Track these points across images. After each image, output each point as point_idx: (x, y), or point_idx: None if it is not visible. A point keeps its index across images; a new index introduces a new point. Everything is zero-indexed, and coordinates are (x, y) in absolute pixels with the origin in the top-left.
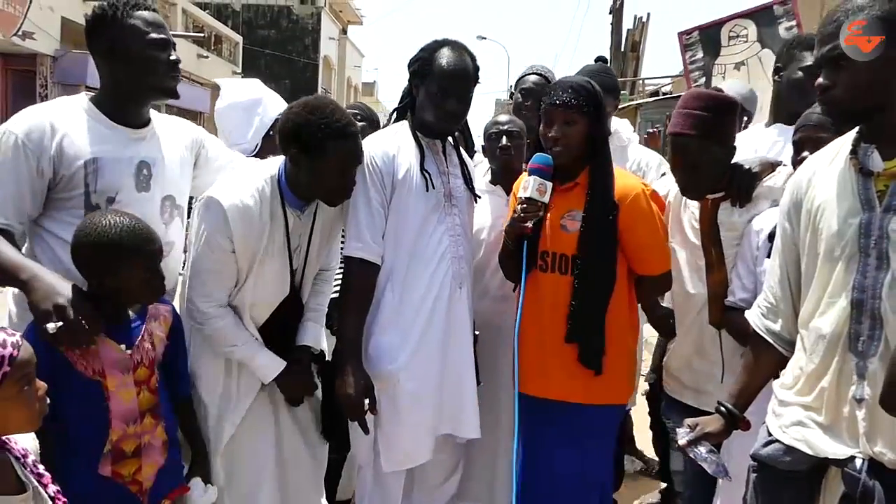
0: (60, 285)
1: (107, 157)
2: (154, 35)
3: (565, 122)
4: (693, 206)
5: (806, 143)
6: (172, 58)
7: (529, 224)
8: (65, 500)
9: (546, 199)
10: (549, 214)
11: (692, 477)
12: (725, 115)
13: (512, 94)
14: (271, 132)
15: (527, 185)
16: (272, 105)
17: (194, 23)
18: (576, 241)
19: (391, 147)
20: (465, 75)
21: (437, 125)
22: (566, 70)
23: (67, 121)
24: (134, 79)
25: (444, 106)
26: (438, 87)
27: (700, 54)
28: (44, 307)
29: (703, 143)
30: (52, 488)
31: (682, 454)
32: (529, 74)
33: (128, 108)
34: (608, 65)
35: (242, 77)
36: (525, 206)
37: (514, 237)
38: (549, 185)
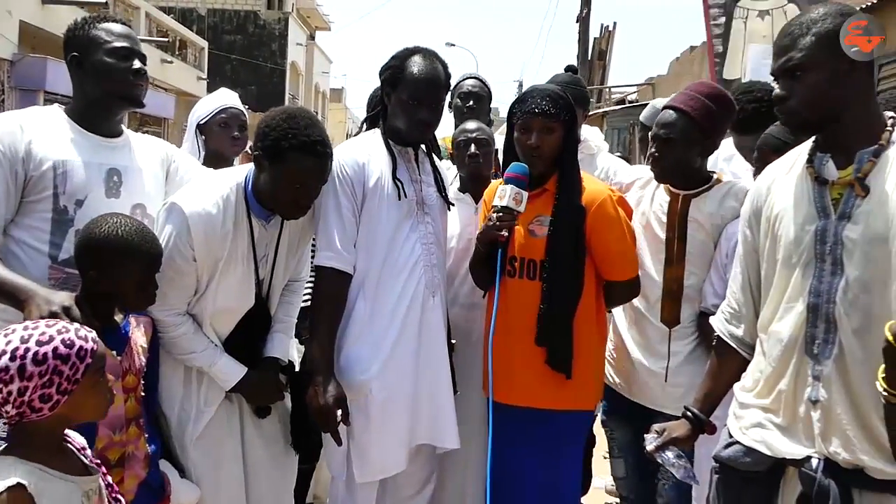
0: (54, 296)
1: (76, 160)
2: (116, 44)
3: (544, 129)
4: (661, 200)
5: (760, 163)
6: (135, 66)
7: (505, 232)
8: (119, 493)
9: (522, 208)
10: (517, 220)
11: (636, 483)
12: (726, 116)
13: (450, 103)
14: (204, 136)
15: (503, 193)
16: (199, 107)
17: (158, 27)
18: (544, 245)
19: (361, 155)
20: (436, 84)
21: (408, 134)
22: (534, 76)
23: (37, 125)
24: (97, 87)
25: (415, 115)
26: (410, 95)
27: None
28: (35, 317)
29: (693, 126)
30: (108, 479)
31: (623, 461)
32: (466, 79)
33: (97, 118)
34: (577, 74)
35: (207, 83)
36: (501, 214)
37: (487, 244)
38: (525, 194)
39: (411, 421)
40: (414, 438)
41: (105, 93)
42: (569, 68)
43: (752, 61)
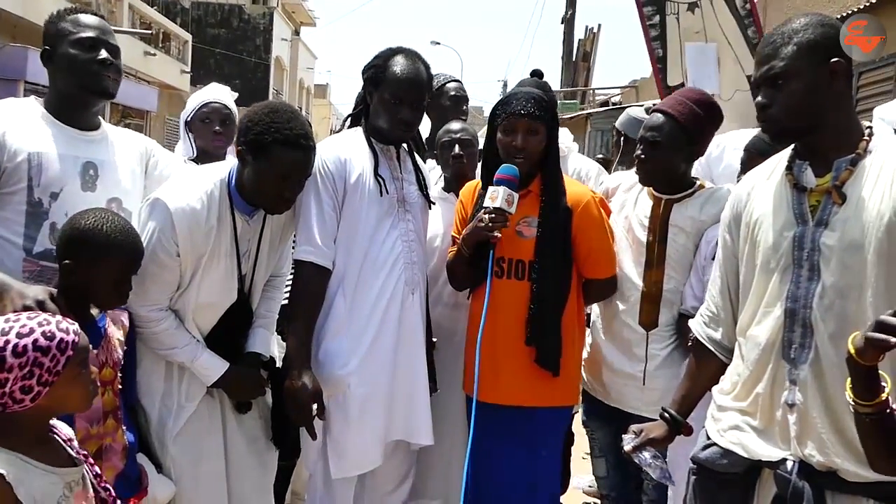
0: (28, 289)
1: (51, 152)
2: (81, 35)
3: (529, 131)
4: (644, 204)
5: (746, 166)
6: (100, 57)
7: (498, 234)
8: (106, 482)
9: (513, 209)
10: None
11: (617, 481)
12: (712, 122)
13: (440, 104)
14: (192, 134)
15: (495, 194)
16: (191, 101)
17: (141, 19)
18: (533, 246)
19: (343, 152)
20: (418, 83)
21: (390, 133)
22: (519, 77)
23: (12, 116)
24: (66, 80)
25: (397, 114)
26: (392, 94)
27: None
28: (9, 312)
29: (679, 130)
30: (95, 469)
31: (604, 460)
32: (448, 83)
33: (72, 110)
34: (543, 79)
35: (191, 76)
36: (493, 215)
37: (474, 245)
38: (516, 196)
39: (387, 417)
40: (389, 434)
41: (72, 85)
42: (535, 72)
43: (690, 63)
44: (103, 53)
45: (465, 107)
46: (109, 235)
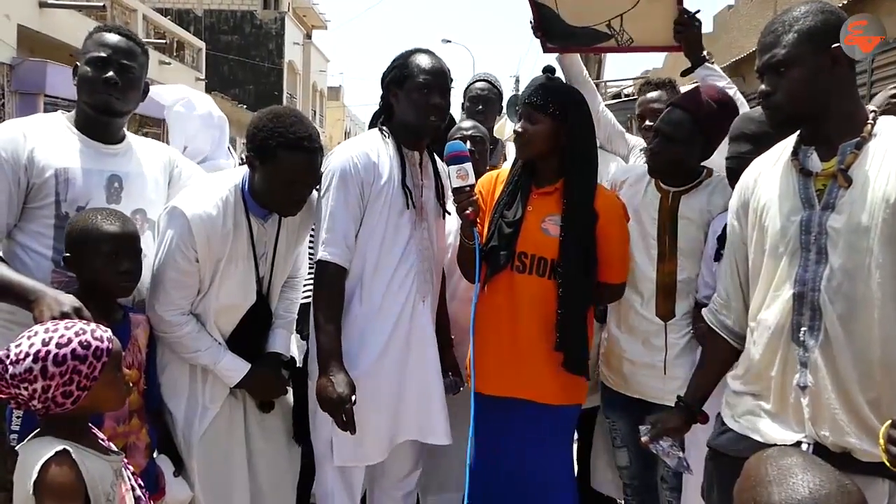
0: (64, 297)
1: (77, 167)
2: (93, 54)
3: (528, 119)
4: (652, 197)
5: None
6: (106, 76)
7: (469, 210)
8: (143, 483)
9: (471, 180)
10: (528, 216)
11: (640, 470)
12: (727, 119)
13: (463, 104)
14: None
15: (463, 172)
16: (217, 112)
17: (155, 29)
18: (557, 245)
19: (374, 155)
20: (444, 72)
21: (423, 122)
22: (530, 71)
23: (40, 132)
24: (80, 96)
25: (428, 100)
26: (421, 83)
27: None
28: (47, 318)
29: (696, 128)
30: (130, 468)
31: (626, 450)
32: (476, 82)
33: (96, 126)
34: (554, 75)
35: (206, 83)
36: (455, 196)
37: (467, 230)
38: (467, 166)
39: (396, 418)
40: (399, 435)
41: (83, 102)
42: (546, 69)
43: None
44: (110, 73)
45: (482, 106)
46: (88, 220)
